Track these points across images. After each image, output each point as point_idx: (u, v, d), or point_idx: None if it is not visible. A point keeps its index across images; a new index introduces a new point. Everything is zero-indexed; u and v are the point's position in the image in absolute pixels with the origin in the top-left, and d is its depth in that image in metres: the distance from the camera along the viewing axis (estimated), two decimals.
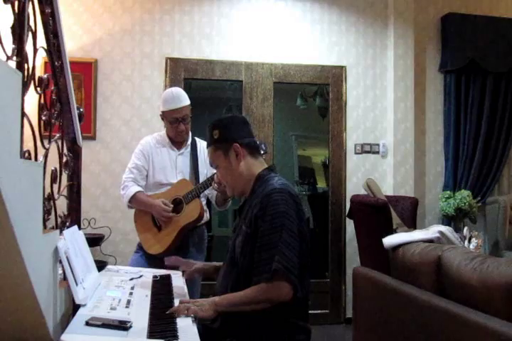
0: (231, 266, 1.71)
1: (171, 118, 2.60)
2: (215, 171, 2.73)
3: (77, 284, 1.43)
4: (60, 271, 1.52)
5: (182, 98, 2.61)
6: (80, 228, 1.87)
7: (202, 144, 2.77)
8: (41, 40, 1.60)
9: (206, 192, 2.61)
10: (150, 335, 1.31)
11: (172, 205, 2.54)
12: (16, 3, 1.29)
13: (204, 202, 2.70)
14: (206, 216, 2.70)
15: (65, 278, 1.52)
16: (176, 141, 2.70)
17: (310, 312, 1.73)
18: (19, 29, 1.31)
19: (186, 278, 2.03)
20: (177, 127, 2.61)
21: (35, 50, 1.46)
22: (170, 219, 2.54)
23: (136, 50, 3.97)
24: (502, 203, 4.30)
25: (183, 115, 2.60)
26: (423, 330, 2.05)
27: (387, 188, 4.23)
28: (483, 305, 1.78)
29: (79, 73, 3.72)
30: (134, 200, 2.60)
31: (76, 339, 1.23)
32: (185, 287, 1.96)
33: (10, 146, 1.02)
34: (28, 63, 1.35)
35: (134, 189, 2.60)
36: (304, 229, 1.65)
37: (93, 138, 3.85)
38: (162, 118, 2.69)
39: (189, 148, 2.73)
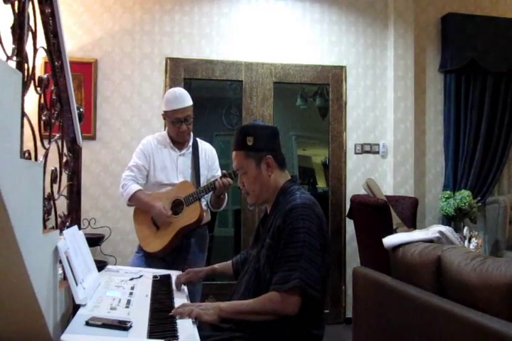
0: (255, 277, 1.71)
1: (174, 118, 2.60)
2: (215, 173, 2.75)
3: (77, 284, 1.43)
4: (60, 271, 1.52)
5: (185, 98, 2.62)
6: (80, 228, 1.87)
7: (203, 145, 2.77)
8: (41, 40, 1.59)
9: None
10: (150, 335, 1.31)
11: (171, 211, 2.54)
12: (16, 3, 1.29)
13: (204, 203, 2.70)
14: (207, 217, 2.70)
15: (65, 278, 1.52)
16: (178, 142, 2.70)
17: None
18: (19, 29, 1.31)
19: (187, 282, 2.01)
20: (179, 127, 2.61)
21: (35, 50, 1.46)
22: (169, 222, 2.54)
23: (136, 50, 3.97)
24: (502, 203, 4.30)
25: (186, 115, 2.61)
26: (423, 330, 2.05)
27: (387, 188, 4.23)
28: (483, 305, 1.78)
29: (79, 73, 3.72)
30: (133, 199, 2.59)
31: (76, 339, 1.23)
32: (186, 287, 1.96)
33: (10, 146, 1.02)
34: (28, 63, 1.35)
35: (134, 187, 2.59)
36: (326, 243, 1.65)
37: (93, 138, 3.85)
38: (164, 118, 2.69)
39: (190, 149, 2.72)
